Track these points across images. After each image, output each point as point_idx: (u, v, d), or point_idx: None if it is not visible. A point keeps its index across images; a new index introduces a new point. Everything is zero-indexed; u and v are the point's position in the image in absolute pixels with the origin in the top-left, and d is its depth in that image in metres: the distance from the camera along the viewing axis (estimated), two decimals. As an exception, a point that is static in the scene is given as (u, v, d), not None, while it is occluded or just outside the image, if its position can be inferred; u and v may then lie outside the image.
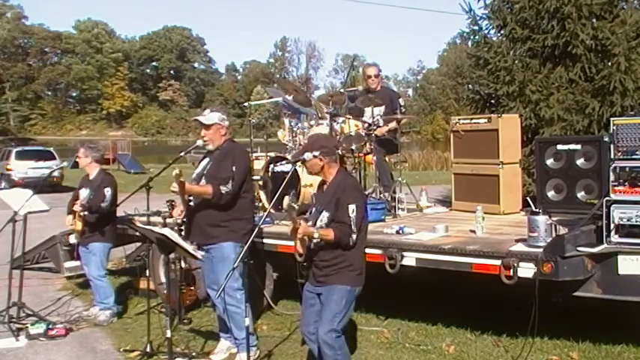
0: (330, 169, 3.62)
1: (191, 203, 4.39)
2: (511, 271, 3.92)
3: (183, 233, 4.50)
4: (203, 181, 4.32)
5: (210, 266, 4.38)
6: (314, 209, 3.63)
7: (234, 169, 4.22)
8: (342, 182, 3.60)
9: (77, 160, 6.23)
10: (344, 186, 3.55)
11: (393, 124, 6.33)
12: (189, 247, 4.02)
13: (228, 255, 4.26)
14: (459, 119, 6.34)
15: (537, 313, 3.75)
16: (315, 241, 3.49)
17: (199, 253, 4.13)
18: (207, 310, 5.55)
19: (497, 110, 7.42)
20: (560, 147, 4.85)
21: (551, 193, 4.87)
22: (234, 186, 4.22)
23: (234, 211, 4.30)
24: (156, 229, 4.21)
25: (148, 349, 4.53)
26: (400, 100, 6.47)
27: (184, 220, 4.48)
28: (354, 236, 3.45)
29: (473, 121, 6.18)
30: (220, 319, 4.54)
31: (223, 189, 4.17)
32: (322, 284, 3.57)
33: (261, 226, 4.63)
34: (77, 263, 6.19)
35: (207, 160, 4.48)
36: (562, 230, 4.21)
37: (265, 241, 5.12)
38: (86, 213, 5.43)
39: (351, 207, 3.42)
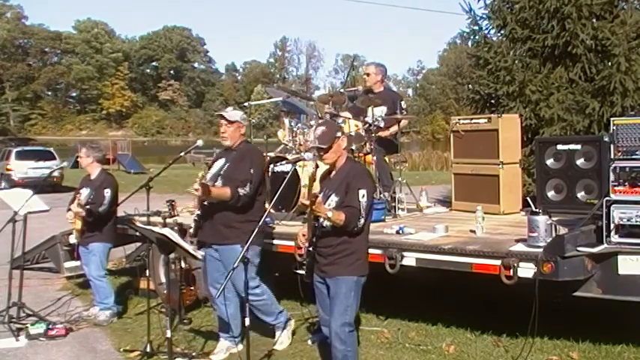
0: (342, 155, 3.64)
1: (205, 202, 4.41)
2: (511, 271, 3.92)
3: (192, 230, 4.52)
4: (219, 181, 4.34)
5: (215, 265, 4.41)
6: (321, 194, 3.63)
7: (252, 171, 4.25)
8: (353, 168, 3.63)
9: (79, 160, 6.23)
10: (355, 171, 3.58)
11: (394, 128, 6.31)
12: (189, 247, 4.02)
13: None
14: (459, 119, 6.33)
15: (537, 313, 3.75)
16: (325, 224, 3.48)
17: (199, 253, 4.14)
18: (207, 310, 5.55)
19: (497, 110, 7.42)
20: (560, 147, 4.85)
21: (551, 193, 4.87)
22: (252, 188, 4.25)
23: (249, 214, 4.32)
24: (156, 229, 4.21)
25: (148, 349, 4.54)
26: (402, 102, 6.45)
27: (197, 217, 4.48)
28: (362, 221, 3.46)
29: (473, 121, 6.18)
30: (220, 319, 4.56)
31: (241, 191, 4.20)
32: (326, 275, 3.57)
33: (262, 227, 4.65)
34: (77, 263, 6.19)
35: (222, 160, 4.50)
36: (562, 230, 4.21)
37: (265, 240, 5.12)
38: (84, 214, 5.43)
39: (362, 192, 3.44)
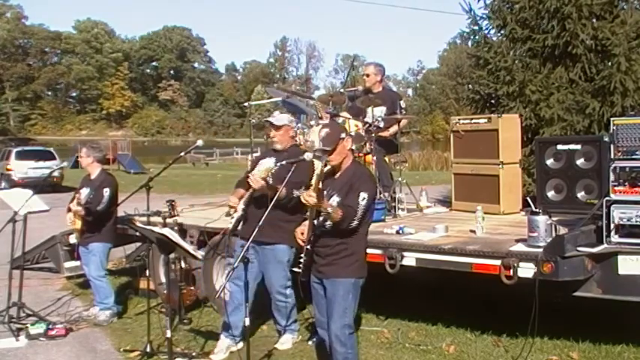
0: (348, 156, 3.65)
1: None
2: (511, 271, 3.92)
3: (230, 226, 4.53)
4: (269, 179, 4.34)
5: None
6: (324, 193, 3.63)
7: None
8: (358, 170, 3.64)
9: (79, 159, 6.23)
10: (360, 174, 3.59)
11: (394, 129, 6.31)
12: (189, 247, 4.03)
13: (282, 258, 4.42)
14: (459, 119, 6.33)
15: (537, 313, 3.75)
16: (326, 224, 3.49)
17: (199, 253, 4.15)
18: (207, 310, 5.55)
19: (497, 110, 7.41)
20: (560, 147, 4.85)
21: (551, 193, 4.87)
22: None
23: (295, 215, 4.35)
24: (156, 229, 4.21)
25: (148, 349, 4.54)
26: (401, 102, 6.45)
27: (242, 211, 4.47)
28: (356, 222, 3.46)
29: (473, 121, 6.17)
30: (225, 315, 4.57)
31: (296, 193, 4.22)
32: (324, 275, 3.57)
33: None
34: (77, 263, 6.19)
35: (272, 159, 4.51)
36: (562, 230, 4.21)
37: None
38: (83, 213, 5.44)
39: (363, 194, 3.45)
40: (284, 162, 4.16)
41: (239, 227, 4.57)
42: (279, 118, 4.57)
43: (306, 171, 4.21)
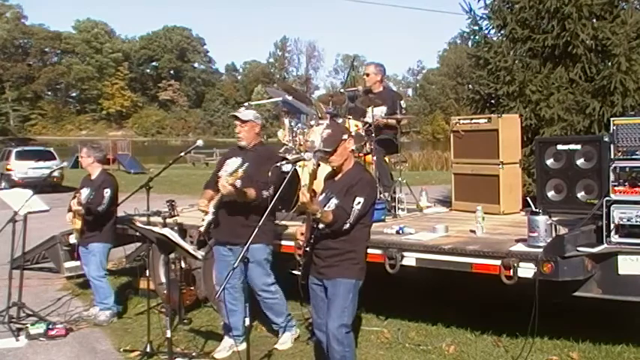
0: (349, 158, 3.64)
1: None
2: (511, 271, 3.92)
3: (202, 229, 4.51)
4: (238, 181, 4.33)
5: (225, 264, 4.40)
6: (323, 195, 3.63)
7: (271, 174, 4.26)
8: (359, 174, 3.62)
9: (80, 160, 6.24)
10: (359, 178, 3.57)
11: (392, 121, 6.32)
12: (189, 247, 4.03)
13: (259, 257, 4.39)
14: (459, 119, 6.33)
15: (537, 313, 3.75)
16: (321, 226, 3.49)
17: (199, 253, 4.14)
18: (207, 310, 5.56)
19: (497, 110, 7.41)
20: (560, 147, 4.85)
21: (551, 193, 4.87)
22: (274, 190, 4.25)
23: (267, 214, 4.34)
24: (156, 229, 4.22)
25: (148, 349, 4.54)
26: (402, 102, 6.45)
27: (212, 214, 4.45)
28: (348, 225, 3.46)
29: (473, 121, 6.17)
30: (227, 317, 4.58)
31: (265, 193, 4.22)
32: (325, 276, 3.57)
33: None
34: (77, 263, 6.20)
35: (239, 159, 4.48)
36: (562, 230, 4.21)
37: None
38: (84, 212, 5.44)
39: (358, 199, 3.45)
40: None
41: (210, 230, 4.54)
42: (245, 113, 4.52)
43: (275, 171, 4.18)
